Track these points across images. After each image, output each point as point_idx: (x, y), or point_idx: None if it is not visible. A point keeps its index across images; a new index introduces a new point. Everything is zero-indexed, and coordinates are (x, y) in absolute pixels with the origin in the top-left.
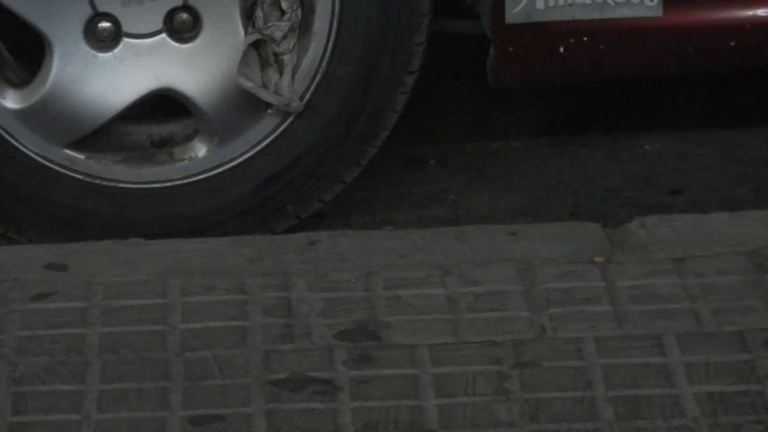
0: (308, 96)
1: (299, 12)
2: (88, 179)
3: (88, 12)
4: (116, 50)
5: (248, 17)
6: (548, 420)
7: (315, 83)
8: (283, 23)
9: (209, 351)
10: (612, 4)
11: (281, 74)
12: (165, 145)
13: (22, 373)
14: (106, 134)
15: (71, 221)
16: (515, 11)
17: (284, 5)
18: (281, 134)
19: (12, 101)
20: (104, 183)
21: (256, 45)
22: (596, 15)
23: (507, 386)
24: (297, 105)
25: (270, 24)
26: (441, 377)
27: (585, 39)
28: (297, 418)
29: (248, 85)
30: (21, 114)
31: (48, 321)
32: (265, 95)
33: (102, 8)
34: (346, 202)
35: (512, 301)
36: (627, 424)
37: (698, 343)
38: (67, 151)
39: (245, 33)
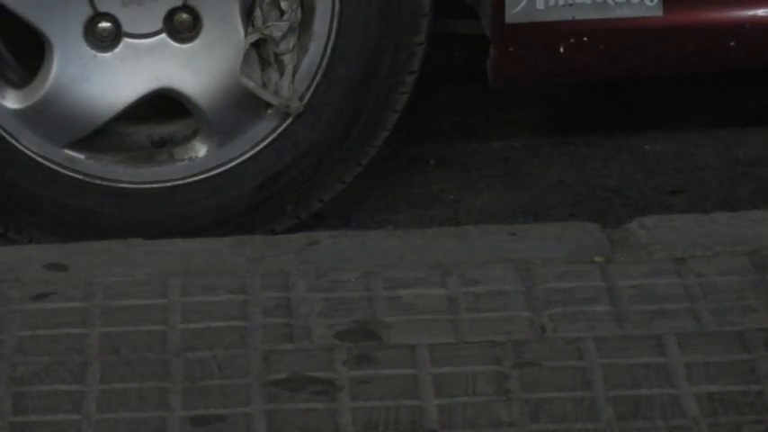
0: (308, 96)
1: (299, 12)
2: (88, 179)
3: (88, 12)
4: (116, 50)
5: (248, 17)
6: (548, 420)
7: (315, 83)
8: (282, 23)
9: (209, 351)
10: (612, 4)
11: (281, 74)
12: (165, 145)
13: (22, 373)
14: (106, 134)
15: (71, 221)
16: (515, 11)
17: (283, 5)
18: (281, 134)
19: (12, 101)
20: (104, 183)
21: (257, 45)
22: (596, 15)
23: (507, 386)
24: (297, 106)
25: (269, 24)
26: (441, 377)
27: (585, 39)
28: (297, 418)
29: (250, 84)
30: (21, 114)
31: (48, 321)
32: (266, 95)
33: (102, 8)
34: (346, 202)
35: (512, 301)
36: (627, 424)
37: (698, 343)
38: (67, 151)
39: (246, 33)
